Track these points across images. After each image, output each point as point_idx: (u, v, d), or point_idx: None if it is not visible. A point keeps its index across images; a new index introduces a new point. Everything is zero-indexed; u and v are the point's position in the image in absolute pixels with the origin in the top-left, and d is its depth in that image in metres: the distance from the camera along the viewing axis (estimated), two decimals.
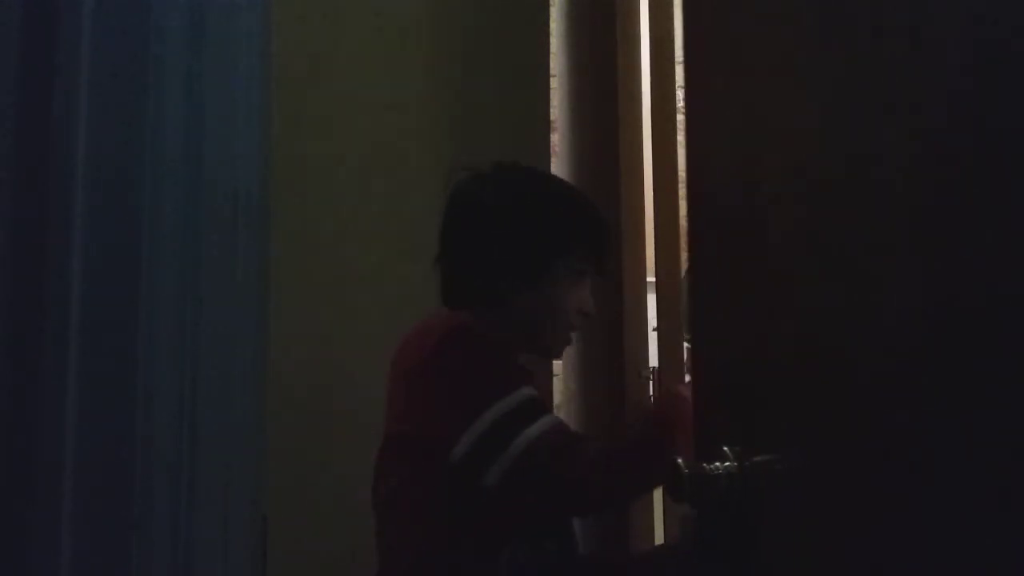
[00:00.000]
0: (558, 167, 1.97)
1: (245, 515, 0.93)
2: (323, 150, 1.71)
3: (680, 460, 0.93)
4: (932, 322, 0.75)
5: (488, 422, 1.19)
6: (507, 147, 1.84)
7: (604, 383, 1.80)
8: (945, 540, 0.73)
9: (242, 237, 0.95)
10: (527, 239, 1.32)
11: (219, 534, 0.90)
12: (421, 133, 1.81)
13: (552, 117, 1.96)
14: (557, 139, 2.00)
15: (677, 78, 1.76)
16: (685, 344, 1.77)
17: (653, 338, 1.82)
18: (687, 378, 1.60)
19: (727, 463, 0.92)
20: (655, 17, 1.84)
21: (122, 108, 0.88)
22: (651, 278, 1.81)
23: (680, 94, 1.61)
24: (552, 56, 1.97)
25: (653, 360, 1.83)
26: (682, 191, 1.77)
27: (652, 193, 1.82)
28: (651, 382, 1.83)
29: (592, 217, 1.39)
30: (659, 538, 1.71)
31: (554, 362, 1.85)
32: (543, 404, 1.26)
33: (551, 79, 1.95)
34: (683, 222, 1.70)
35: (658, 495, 1.62)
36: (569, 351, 1.88)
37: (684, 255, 1.75)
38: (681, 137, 1.64)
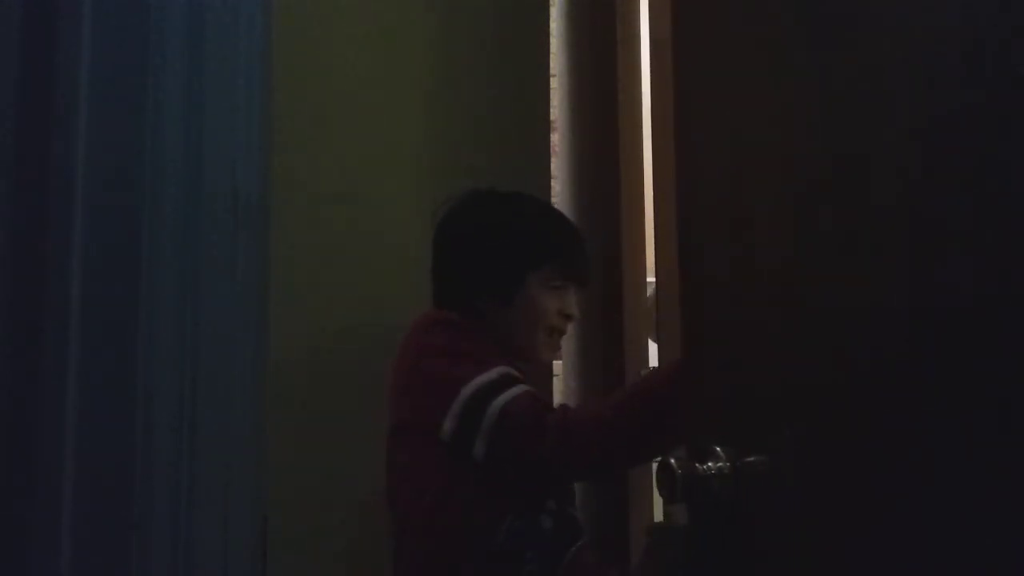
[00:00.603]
0: (558, 167, 1.97)
1: (245, 515, 0.93)
2: (323, 150, 1.71)
3: (672, 460, 0.93)
4: (924, 322, 0.75)
5: (466, 397, 1.26)
6: (507, 147, 1.84)
7: (604, 383, 1.80)
8: (940, 540, 0.73)
9: (242, 237, 0.95)
10: (496, 261, 1.41)
11: (219, 534, 0.90)
12: (421, 133, 1.81)
13: (552, 117, 1.96)
14: (557, 139, 1.99)
15: None
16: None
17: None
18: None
19: (719, 463, 0.92)
20: (655, 17, 1.83)
21: (122, 108, 0.88)
22: (651, 278, 1.81)
23: None
24: (552, 56, 1.97)
25: (653, 360, 1.83)
26: None
27: (652, 193, 1.81)
28: None
29: (559, 230, 1.48)
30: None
31: (554, 362, 1.85)
32: (519, 379, 1.29)
33: (551, 79, 1.95)
34: None
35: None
36: (569, 351, 1.88)
37: None
38: None
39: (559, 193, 1.96)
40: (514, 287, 1.40)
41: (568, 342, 1.85)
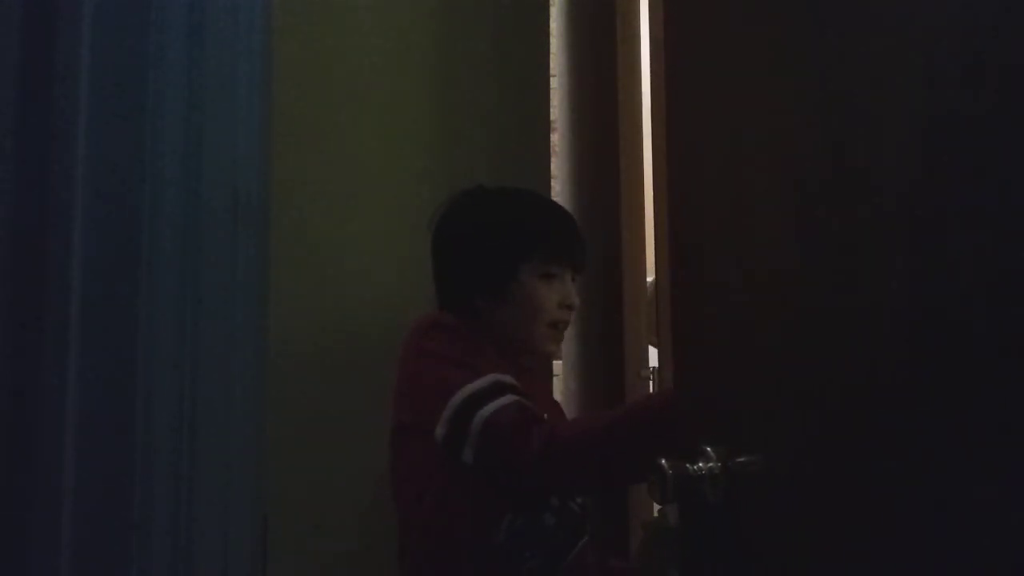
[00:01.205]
0: (558, 167, 1.97)
1: (245, 515, 0.93)
2: (323, 150, 1.71)
3: (664, 461, 0.93)
4: (922, 323, 0.75)
5: (455, 404, 1.27)
6: (507, 147, 1.84)
7: (604, 383, 1.80)
8: (935, 540, 0.73)
9: (242, 237, 0.95)
10: (485, 257, 1.41)
11: (219, 534, 0.90)
12: (421, 133, 1.81)
13: (552, 117, 1.96)
14: (557, 139, 1.99)
15: None
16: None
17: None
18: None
19: (710, 463, 0.92)
20: (655, 17, 1.84)
21: (122, 108, 0.88)
22: (651, 278, 1.82)
23: None
24: (552, 56, 1.97)
25: (653, 360, 1.83)
26: None
27: (652, 193, 1.81)
28: (651, 382, 1.83)
29: (549, 218, 1.47)
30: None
31: (554, 362, 1.85)
32: (511, 387, 1.29)
33: (551, 79, 1.95)
34: None
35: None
36: (569, 351, 1.88)
37: None
38: None
39: (559, 193, 1.96)
40: (506, 281, 1.40)
41: (568, 343, 1.86)
